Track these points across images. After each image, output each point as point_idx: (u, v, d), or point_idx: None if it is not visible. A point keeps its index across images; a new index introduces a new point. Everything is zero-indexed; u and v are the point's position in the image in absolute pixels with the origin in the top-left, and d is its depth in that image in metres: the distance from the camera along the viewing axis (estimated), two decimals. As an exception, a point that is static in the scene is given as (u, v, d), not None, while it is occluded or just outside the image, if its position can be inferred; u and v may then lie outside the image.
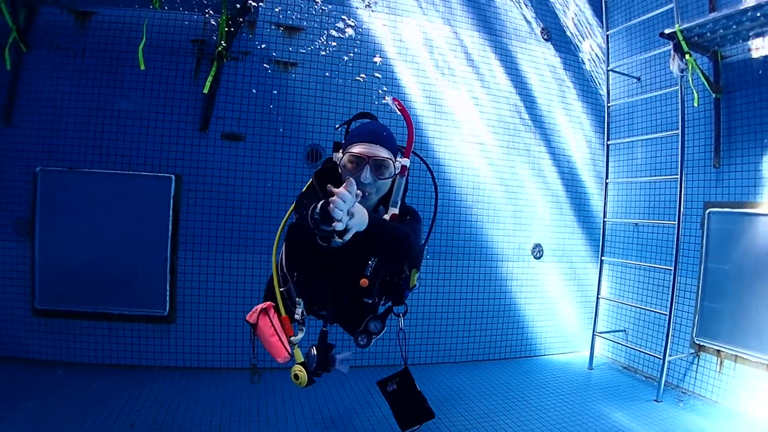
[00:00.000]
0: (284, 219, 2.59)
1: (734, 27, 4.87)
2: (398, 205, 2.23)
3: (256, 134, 5.84)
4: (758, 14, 4.55)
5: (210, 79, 5.47)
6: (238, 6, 5.51)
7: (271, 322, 2.32)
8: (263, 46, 5.84)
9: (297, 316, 2.35)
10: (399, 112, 2.31)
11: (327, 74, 6.01)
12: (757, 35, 5.01)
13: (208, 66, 5.61)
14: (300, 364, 2.30)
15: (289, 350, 2.37)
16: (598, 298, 6.67)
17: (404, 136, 2.57)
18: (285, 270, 2.54)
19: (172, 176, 5.58)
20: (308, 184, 2.56)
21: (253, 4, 5.61)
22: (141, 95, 5.59)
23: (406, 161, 2.29)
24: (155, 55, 5.60)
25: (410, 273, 2.66)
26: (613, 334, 6.67)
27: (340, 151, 2.26)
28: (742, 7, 4.53)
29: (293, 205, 2.48)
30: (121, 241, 5.47)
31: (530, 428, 4.69)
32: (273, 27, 5.90)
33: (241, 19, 5.60)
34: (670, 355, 5.48)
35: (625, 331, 6.58)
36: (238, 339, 5.75)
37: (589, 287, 7.10)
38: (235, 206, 5.76)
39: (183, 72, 5.68)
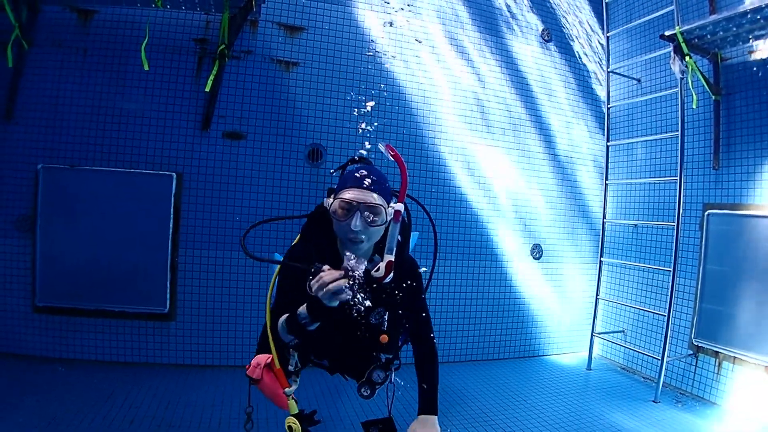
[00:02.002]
0: (276, 271, 2.53)
1: (734, 29, 4.89)
2: (393, 252, 2.13)
3: (257, 133, 5.85)
4: (758, 17, 4.57)
5: (212, 77, 5.47)
6: (240, 5, 5.52)
7: (277, 377, 2.28)
8: (266, 45, 5.87)
9: (291, 368, 2.31)
10: (392, 158, 2.27)
11: (328, 74, 6.03)
12: (757, 37, 5.02)
13: (210, 65, 5.62)
14: (294, 415, 2.26)
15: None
16: (597, 298, 6.69)
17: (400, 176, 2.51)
18: None
19: (174, 174, 5.59)
20: (300, 233, 2.50)
21: None
22: (143, 93, 5.61)
23: (399, 206, 2.15)
24: (157, 53, 5.61)
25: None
26: (611, 334, 6.69)
27: (332, 196, 2.20)
28: (741, 10, 4.55)
29: (287, 252, 2.42)
30: (122, 239, 5.49)
31: (528, 428, 4.72)
32: (275, 26, 5.91)
33: (243, 19, 5.61)
34: (668, 357, 5.49)
35: (623, 331, 6.60)
36: (238, 337, 5.77)
37: (588, 288, 7.11)
38: (236, 204, 5.78)
39: (185, 71, 5.70)
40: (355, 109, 6.08)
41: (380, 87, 6.20)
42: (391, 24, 6.27)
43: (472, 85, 6.60)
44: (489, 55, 6.68)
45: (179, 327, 5.67)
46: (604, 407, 5.25)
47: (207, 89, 5.47)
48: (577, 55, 7.17)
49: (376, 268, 2.07)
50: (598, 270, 6.75)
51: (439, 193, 6.39)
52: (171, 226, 5.58)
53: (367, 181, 2.14)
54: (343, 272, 1.86)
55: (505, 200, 6.71)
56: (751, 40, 5.12)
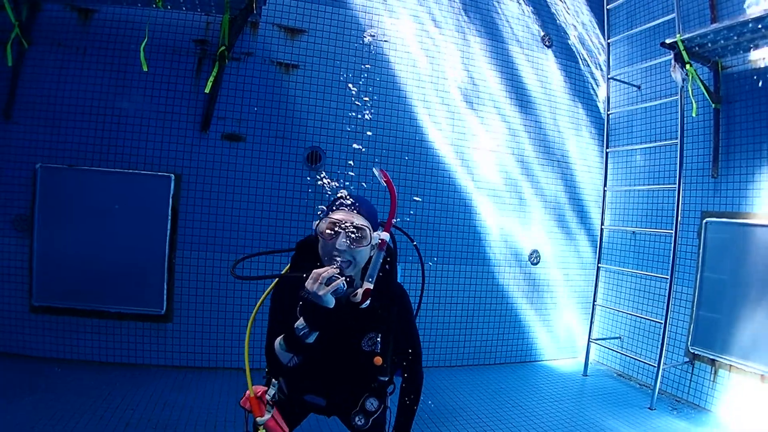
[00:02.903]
0: (264, 294, 2.54)
1: (735, 38, 4.89)
2: (374, 279, 2.11)
3: (256, 135, 5.85)
4: (759, 26, 4.57)
5: (212, 79, 5.46)
6: (241, 7, 5.51)
7: (251, 405, 2.28)
8: (267, 47, 5.86)
9: (268, 397, 2.30)
10: (384, 183, 2.26)
11: (328, 77, 6.03)
12: (758, 47, 5.03)
13: (210, 66, 5.61)
14: None
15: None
16: (594, 305, 6.69)
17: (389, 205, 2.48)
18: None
19: (172, 176, 5.58)
20: (290, 263, 2.51)
21: None
22: (142, 94, 5.60)
23: (385, 235, 2.17)
24: (157, 54, 5.60)
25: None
26: (608, 341, 6.69)
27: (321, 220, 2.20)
28: (743, 19, 4.55)
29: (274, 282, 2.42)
30: (119, 239, 5.47)
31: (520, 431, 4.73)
32: (276, 28, 5.91)
33: (243, 20, 5.60)
34: (664, 364, 5.49)
35: (620, 338, 6.60)
36: (235, 339, 5.76)
37: (585, 294, 7.12)
38: (234, 207, 5.77)
39: (185, 72, 5.69)
40: (354, 113, 6.07)
41: (380, 91, 6.19)
42: (385, 36, 6.27)
43: (472, 90, 6.59)
44: (489, 60, 6.67)
45: (176, 328, 5.66)
46: (599, 414, 5.25)
47: (207, 90, 5.46)
48: (578, 61, 7.17)
49: (354, 293, 2.10)
50: (595, 276, 6.75)
51: (437, 197, 6.39)
52: (169, 227, 5.57)
53: (354, 204, 2.20)
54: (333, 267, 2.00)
55: (503, 205, 6.70)
56: (751, 49, 5.13)
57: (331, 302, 1.96)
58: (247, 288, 5.77)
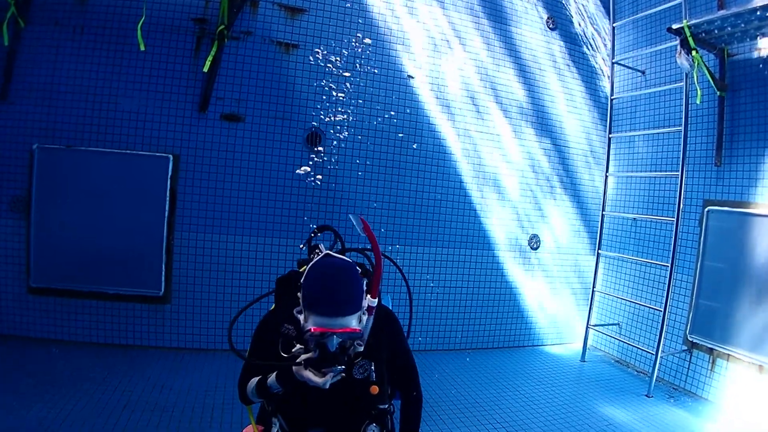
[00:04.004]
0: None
1: (742, 25, 4.81)
2: (364, 342, 2.03)
3: (256, 116, 5.79)
4: (767, 14, 4.50)
5: (210, 58, 5.39)
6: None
7: None
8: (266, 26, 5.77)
9: None
10: (363, 234, 2.11)
11: (329, 57, 5.94)
12: (765, 35, 4.96)
13: (209, 46, 5.53)
14: None
15: None
16: (593, 291, 6.68)
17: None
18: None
19: (170, 156, 5.54)
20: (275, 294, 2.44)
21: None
22: (140, 73, 5.52)
23: (374, 302, 2.02)
24: (155, 33, 5.52)
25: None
26: (606, 327, 6.69)
27: (301, 311, 1.99)
28: (751, 6, 4.48)
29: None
30: (117, 220, 5.44)
31: (520, 419, 4.74)
32: (276, 7, 5.81)
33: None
34: (662, 351, 5.49)
35: (618, 324, 6.61)
36: (233, 321, 5.75)
37: (585, 280, 7.12)
38: (233, 188, 5.73)
39: (183, 51, 5.61)
40: (355, 93, 6.01)
41: (382, 71, 6.11)
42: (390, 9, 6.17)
43: (473, 72, 6.52)
44: (492, 42, 6.59)
45: (174, 310, 5.66)
46: (596, 400, 5.26)
47: (205, 70, 5.41)
48: (582, 45, 7.08)
49: (349, 353, 2.02)
50: (595, 262, 6.73)
51: (437, 180, 6.36)
52: (167, 208, 5.54)
53: (338, 305, 1.92)
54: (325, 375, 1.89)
55: (503, 189, 6.67)
56: (758, 37, 5.06)
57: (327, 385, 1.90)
58: (245, 270, 5.76)
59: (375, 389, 2.14)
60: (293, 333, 1.94)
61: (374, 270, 2.05)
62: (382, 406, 2.23)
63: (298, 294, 2.01)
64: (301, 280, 2.00)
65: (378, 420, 2.24)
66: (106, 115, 5.46)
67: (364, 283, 2.07)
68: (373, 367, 2.16)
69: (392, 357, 2.30)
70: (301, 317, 1.97)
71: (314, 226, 2.49)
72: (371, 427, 2.22)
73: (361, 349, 2.05)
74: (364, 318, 2.02)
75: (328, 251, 2.19)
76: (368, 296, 2.03)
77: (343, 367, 1.90)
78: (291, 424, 2.21)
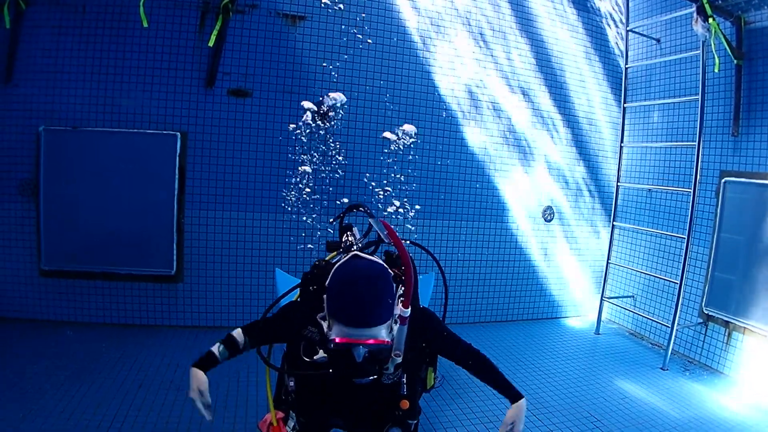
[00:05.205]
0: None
1: (761, -9, 4.66)
2: (402, 350, 1.95)
3: (263, 90, 5.70)
4: (788, -21, 4.35)
5: (215, 33, 5.29)
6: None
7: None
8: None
9: (288, 429, 2.19)
10: (387, 241, 2.03)
11: (336, 28, 5.81)
12: (785, 1, 4.81)
13: (214, 20, 5.40)
14: None
15: None
16: (608, 263, 6.63)
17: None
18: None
19: (178, 134, 5.48)
20: (298, 292, 2.36)
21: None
22: (144, 50, 5.42)
23: (406, 312, 1.89)
24: (158, 9, 5.39)
25: (426, 373, 2.42)
26: (621, 299, 6.66)
27: (325, 318, 1.92)
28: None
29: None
30: (126, 201, 5.41)
31: (535, 391, 4.75)
32: (281, -21, 5.67)
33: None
34: (678, 324, 5.46)
35: (633, 297, 6.57)
36: (246, 297, 5.78)
37: (599, 252, 7.07)
38: (242, 164, 5.68)
39: (187, 26, 5.49)
40: (365, 64, 5.90)
41: (392, 41, 5.98)
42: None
43: (486, 41, 6.37)
44: (503, 11, 6.42)
45: (186, 288, 5.66)
46: (611, 373, 5.26)
47: (210, 44, 5.31)
48: (596, 12, 6.90)
49: (385, 368, 1.98)
50: (610, 234, 6.67)
51: (451, 152, 6.29)
52: (176, 186, 5.50)
53: (366, 316, 1.81)
54: None
55: (517, 160, 6.59)
56: (777, 4, 4.90)
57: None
58: (257, 247, 5.75)
59: (405, 404, 2.08)
60: (317, 337, 1.87)
61: (405, 280, 1.90)
62: (411, 421, 2.19)
63: (323, 296, 1.92)
64: (326, 283, 1.91)
65: (400, 424, 2.19)
66: (112, 94, 5.38)
67: (396, 289, 1.97)
68: (405, 379, 2.10)
69: (449, 354, 2.24)
70: (325, 324, 1.89)
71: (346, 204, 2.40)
72: (393, 430, 2.18)
73: (400, 360, 1.97)
74: (395, 327, 1.91)
75: (356, 252, 2.06)
76: (400, 306, 1.92)
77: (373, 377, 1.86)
78: (309, 419, 2.18)
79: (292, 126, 5.71)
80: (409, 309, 1.91)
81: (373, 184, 5.97)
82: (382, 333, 1.83)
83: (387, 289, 1.88)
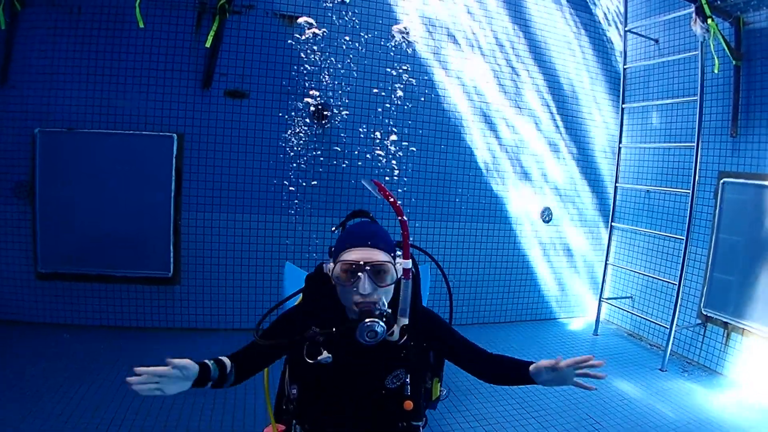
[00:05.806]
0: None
1: (759, -8, 4.66)
2: (407, 314, 1.97)
3: (260, 91, 5.67)
4: (787, -20, 4.34)
5: (212, 33, 5.26)
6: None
7: None
8: None
9: None
10: (382, 197, 2.06)
11: (334, 28, 5.78)
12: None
13: (210, 21, 5.37)
14: None
15: None
16: (606, 263, 6.63)
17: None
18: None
19: (174, 135, 5.45)
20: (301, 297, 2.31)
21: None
22: (140, 51, 5.39)
23: (408, 263, 1.96)
24: (154, 9, 5.36)
25: (432, 383, 2.41)
26: (619, 300, 6.66)
27: (332, 261, 1.98)
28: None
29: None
30: (123, 203, 5.38)
31: (533, 393, 4.73)
32: (278, -21, 5.65)
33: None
34: (676, 325, 5.45)
35: (631, 298, 6.57)
36: (243, 299, 5.75)
37: (598, 253, 7.06)
38: (239, 165, 5.65)
39: (183, 27, 5.46)
40: (364, 65, 5.87)
41: (392, 42, 5.96)
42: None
43: (483, 42, 6.35)
44: (501, 9, 6.41)
45: (184, 291, 5.64)
46: (610, 374, 5.23)
47: (207, 45, 5.27)
48: (594, 12, 6.89)
49: (390, 332, 1.93)
50: (608, 235, 6.67)
51: (450, 154, 6.27)
52: (173, 188, 5.48)
53: (369, 238, 1.94)
54: None
55: (515, 162, 6.57)
56: (776, 5, 4.89)
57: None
58: (254, 249, 5.73)
59: (409, 405, 2.04)
60: (320, 339, 1.85)
61: (402, 233, 2.00)
62: (416, 423, 2.14)
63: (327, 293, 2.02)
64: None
65: (405, 426, 2.14)
66: (108, 95, 5.35)
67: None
68: (408, 380, 2.06)
69: (454, 350, 2.25)
70: (331, 268, 1.97)
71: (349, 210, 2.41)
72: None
73: (406, 321, 2.00)
74: (398, 269, 1.96)
75: None
76: (400, 258, 2.00)
77: (383, 321, 1.84)
78: (313, 427, 2.15)
79: (289, 127, 5.69)
80: (410, 261, 1.98)
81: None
82: (383, 257, 1.92)
83: (385, 231, 2.05)
